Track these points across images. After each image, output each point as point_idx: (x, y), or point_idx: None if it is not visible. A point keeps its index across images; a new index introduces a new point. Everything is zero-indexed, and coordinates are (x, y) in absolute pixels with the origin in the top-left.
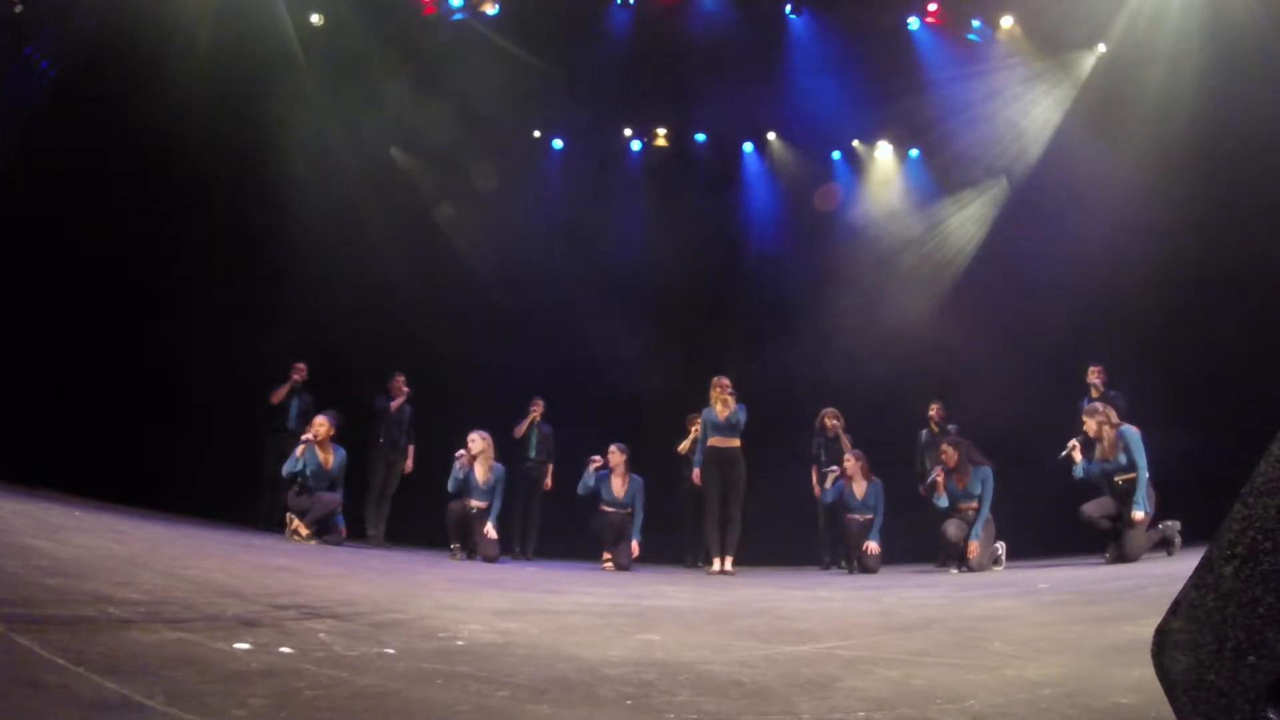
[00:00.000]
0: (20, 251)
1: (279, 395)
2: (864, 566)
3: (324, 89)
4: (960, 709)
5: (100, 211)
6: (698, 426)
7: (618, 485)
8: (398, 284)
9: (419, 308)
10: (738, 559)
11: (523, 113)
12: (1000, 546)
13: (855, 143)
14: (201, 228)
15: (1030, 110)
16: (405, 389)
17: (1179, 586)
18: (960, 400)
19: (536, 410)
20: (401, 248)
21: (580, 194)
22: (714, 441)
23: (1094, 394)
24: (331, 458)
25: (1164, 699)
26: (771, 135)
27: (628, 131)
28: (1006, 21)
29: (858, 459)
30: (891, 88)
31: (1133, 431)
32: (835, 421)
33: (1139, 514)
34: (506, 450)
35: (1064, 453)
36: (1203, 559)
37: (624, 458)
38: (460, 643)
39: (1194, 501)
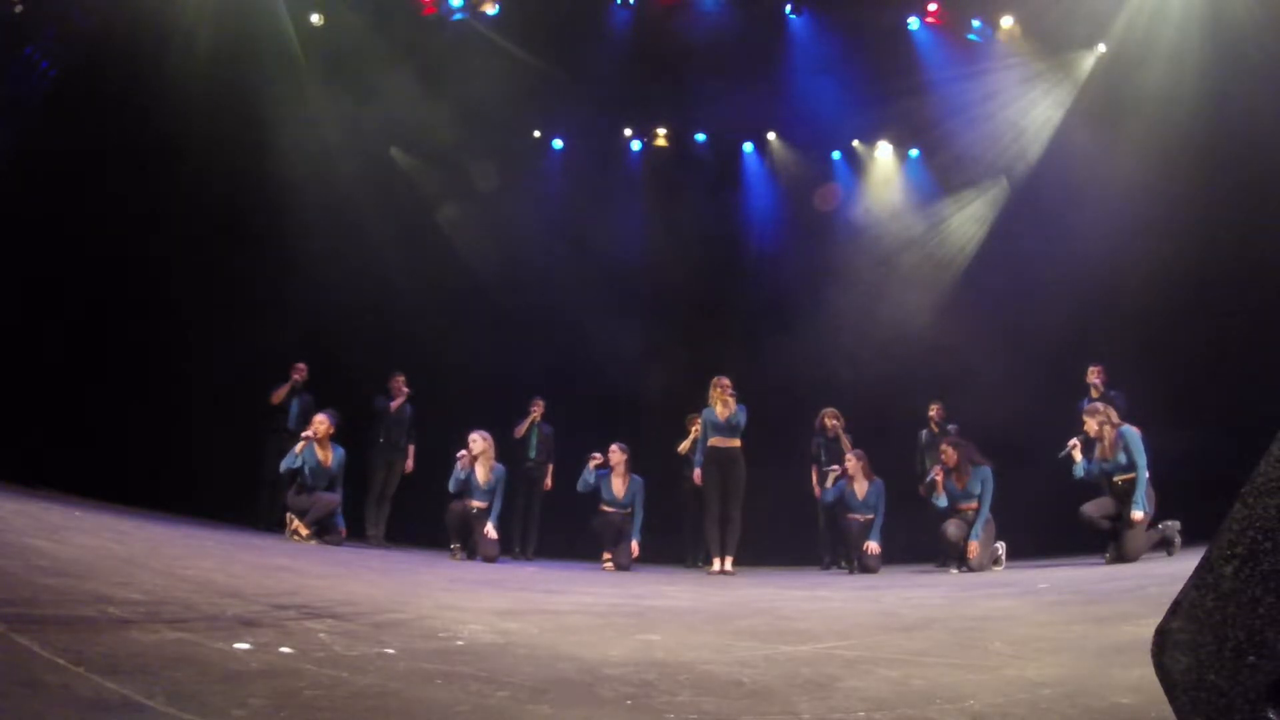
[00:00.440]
0: (20, 251)
1: (279, 395)
2: (864, 566)
3: (324, 89)
4: (960, 709)
5: (100, 212)
6: (698, 426)
7: (618, 485)
8: (398, 284)
9: (419, 308)
10: (738, 559)
11: (523, 113)
12: (1000, 546)
13: (855, 143)
14: (201, 227)
15: (1030, 110)
16: (405, 389)
17: (1179, 586)
18: (960, 400)
19: (537, 410)
20: (401, 248)
21: (580, 194)
22: (714, 441)
23: (1094, 394)
24: (330, 456)
25: (1164, 699)
26: (771, 135)
27: (628, 131)
28: (1006, 21)
29: (859, 459)
30: (891, 88)
31: (1133, 431)
32: (835, 421)
33: (1138, 514)
34: (507, 450)
35: (1064, 451)
36: (1203, 559)
37: (624, 458)
38: (460, 643)
39: (1194, 501)
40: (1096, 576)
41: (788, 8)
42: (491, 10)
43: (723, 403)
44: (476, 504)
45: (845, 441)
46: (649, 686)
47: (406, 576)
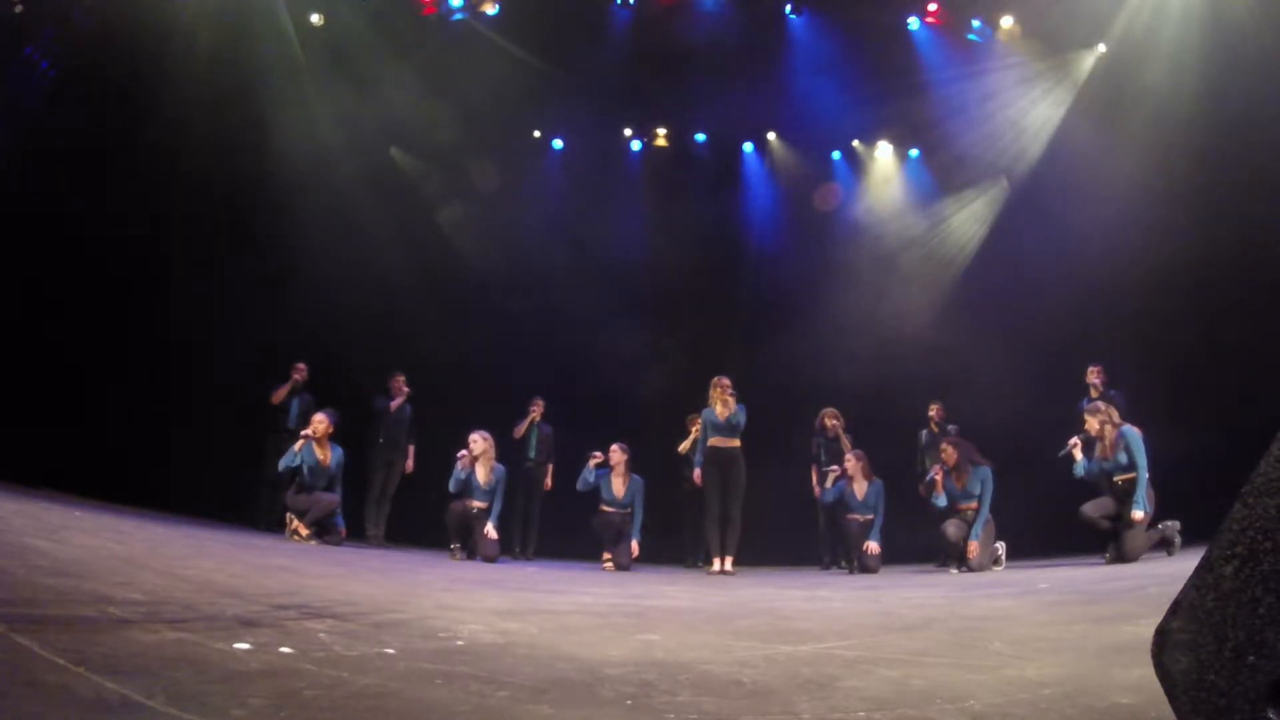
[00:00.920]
0: (19, 251)
1: (279, 395)
2: (864, 566)
3: (324, 89)
4: (960, 709)
5: (100, 212)
6: (698, 426)
7: (618, 485)
8: (398, 284)
9: (419, 308)
10: (738, 559)
11: (523, 113)
12: (1000, 546)
13: (855, 143)
14: (201, 227)
15: (1030, 110)
16: (405, 389)
17: (1179, 586)
18: (960, 400)
19: (536, 410)
20: (401, 248)
21: (580, 194)
22: (714, 441)
23: (1094, 394)
24: (329, 455)
25: (1164, 699)
26: (771, 135)
27: (628, 131)
28: (1006, 21)
29: (859, 459)
30: (891, 88)
31: (1133, 431)
32: (835, 421)
33: (1138, 514)
34: (506, 450)
35: (1064, 451)
36: (1203, 559)
37: (625, 458)
38: (460, 643)
39: (1194, 501)
40: (1096, 576)
41: (788, 8)
42: (491, 10)
43: (722, 403)
44: (477, 504)
45: (845, 442)
46: (649, 686)
47: (406, 576)
